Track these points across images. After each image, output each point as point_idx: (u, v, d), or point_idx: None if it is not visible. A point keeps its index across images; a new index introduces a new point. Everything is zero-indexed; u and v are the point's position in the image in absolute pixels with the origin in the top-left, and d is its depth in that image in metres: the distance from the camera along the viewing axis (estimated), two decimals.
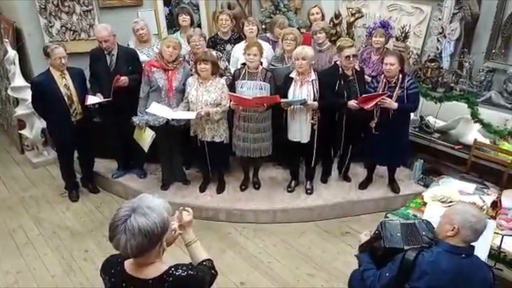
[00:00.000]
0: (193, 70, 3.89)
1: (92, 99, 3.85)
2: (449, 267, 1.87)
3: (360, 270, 2.20)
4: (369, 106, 3.55)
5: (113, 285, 1.57)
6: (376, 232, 2.20)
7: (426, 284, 1.88)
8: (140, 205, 1.44)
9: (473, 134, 3.99)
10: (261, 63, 3.73)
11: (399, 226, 2.18)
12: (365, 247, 2.26)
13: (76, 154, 4.26)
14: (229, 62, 4.19)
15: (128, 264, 1.55)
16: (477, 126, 4.01)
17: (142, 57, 4.09)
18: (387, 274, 2.00)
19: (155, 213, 1.43)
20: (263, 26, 4.73)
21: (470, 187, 3.29)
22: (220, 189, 4.16)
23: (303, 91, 3.61)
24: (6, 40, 4.57)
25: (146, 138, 3.79)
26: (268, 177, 4.36)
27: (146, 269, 1.52)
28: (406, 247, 2.04)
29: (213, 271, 1.75)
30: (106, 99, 3.84)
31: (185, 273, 1.53)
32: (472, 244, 1.93)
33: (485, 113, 3.98)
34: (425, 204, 3.07)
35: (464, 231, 1.87)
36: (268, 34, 4.44)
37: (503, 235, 2.62)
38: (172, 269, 1.53)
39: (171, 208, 1.55)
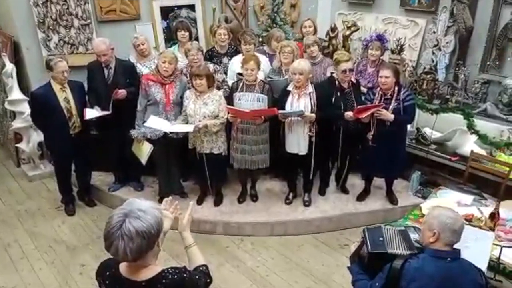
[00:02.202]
0: (190, 84, 3.92)
1: (90, 113, 3.84)
2: (436, 271, 1.89)
3: (351, 281, 2.21)
4: (364, 116, 3.57)
5: (107, 287, 1.59)
6: (361, 239, 2.22)
7: None
8: (132, 209, 1.46)
9: (469, 145, 4.01)
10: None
11: (382, 231, 2.20)
12: (354, 257, 2.28)
13: (73, 167, 4.25)
14: (226, 74, 4.22)
15: (123, 267, 1.56)
16: (474, 137, 4.03)
17: (145, 71, 4.09)
18: (377, 284, 2.02)
19: (149, 215, 1.46)
20: (260, 39, 4.78)
21: (468, 198, 3.29)
22: (218, 202, 4.14)
23: (300, 103, 3.63)
24: (4, 54, 4.58)
25: (144, 151, 3.79)
26: (266, 190, 4.36)
27: (140, 272, 1.53)
28: (390, 251, 2.07)
29: (207, 278, 1.75)
30: (104, 112, 3.84)
31: (178, 276, 1.55)
32: (457, 247, 1.95)
33: (481, 124, 4.01)
34: (423, 215, 3.05)
35: (444, 234, 1.91)
36: (265, 47, 4.48)
37: (501, 247, 2.62)
38: (165, 271, 1.55)
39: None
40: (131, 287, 1.53)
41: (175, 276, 1.54)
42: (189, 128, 3.65)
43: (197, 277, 1.66)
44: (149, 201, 1.54)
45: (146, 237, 1.44)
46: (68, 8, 4.50)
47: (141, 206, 1.48)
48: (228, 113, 3.66)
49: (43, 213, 4.31)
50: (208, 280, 1.75)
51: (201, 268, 1.77)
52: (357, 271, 2.21)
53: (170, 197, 1.92)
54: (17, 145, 4.88)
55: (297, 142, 3.76)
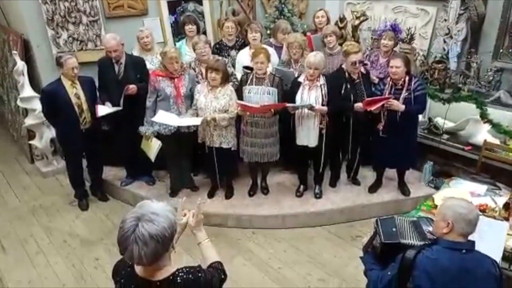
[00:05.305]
0: (200, 77, 3.92)
1: (103, 110, 3.86)
2: (451, 263, 1.86)
3: (364, 271, 2.22)
4: (373, 108, 3.54)
5: (123, 286, 1.60)
6: (374, 230, 2.22)
7: (428, 282, 1.87)
8: (144, 212, 1.43)
9: (482, 134, 3.95)
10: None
11: (395, 221, 2.20)
12: (367, 247, 2.28)
13: (85, 163, 4.29)
14: (234, 67, 4.20)
15: (138, 267, 1.56)
16: (487, 126, 3.97)
17: (147, 65, 4.11)
18: (389, 273, 2.02)
19: (161, 218, 1.43)
20: (268, 32, 4.75)
21: (481, 188, 3.24)
22: (229, 195, 4.16)
23: (311, 95, 3.60)
24: (15, 52, 4.63)
25: (152, 148, 3.80)
26: (276, 182, 4.35)
27: (156, 272, 1.53)
28: (402, 241, 2.07)
29: (222, 275, 1.75)
30: (116, 108, 3.86)
31: (193, 275, 1.56)
32: (471, 239, 1.92)
33: (494, 113, 3.94)
34: (436, 206, 3.02)
35: (458, 224, 1.88)
36: (271, 40, 4.45)
37: None
38: (180, 270, 1.55)
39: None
40: (145, 286, 1.53)
41: (189, 276, 1.54)
42: (196, 121, 3.65)
43: (211, 275, 1.65)
44: (161, 202, 1.51)
45: (161, 240, 1.41)
46: (76, 5, 4.52)
47: (154, 209, 1.45)
48: (238, 107, 3.65)
49: (58, 208, 4.37)
50: (222, 277, 1.75)
51: (214, 265, 1.76)
52: (370, 261, 2.21)
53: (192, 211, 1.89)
54: (30, 142, 4.94)
55: (307, 135, 3.74)
